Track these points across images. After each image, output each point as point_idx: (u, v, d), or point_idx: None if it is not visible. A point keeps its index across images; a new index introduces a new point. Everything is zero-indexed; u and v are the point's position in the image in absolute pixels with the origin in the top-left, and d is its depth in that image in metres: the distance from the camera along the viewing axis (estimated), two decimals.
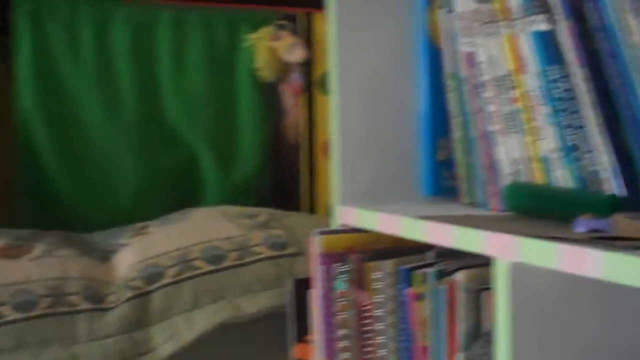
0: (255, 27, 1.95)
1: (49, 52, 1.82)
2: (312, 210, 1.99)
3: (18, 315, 1.36)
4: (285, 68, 1.94)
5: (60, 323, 1.37)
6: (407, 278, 1.12)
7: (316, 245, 1.25)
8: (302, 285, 1.33)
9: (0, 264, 1.43)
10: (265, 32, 1.91)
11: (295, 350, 1.36)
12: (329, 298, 1.23)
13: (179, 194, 1.97)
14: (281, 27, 1.94)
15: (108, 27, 1.86)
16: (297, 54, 1.92)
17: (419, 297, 1.07)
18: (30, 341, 1.34)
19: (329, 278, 1.23)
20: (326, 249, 1.24)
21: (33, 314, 1.36)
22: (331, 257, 1.23)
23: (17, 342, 1.34)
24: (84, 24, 1.84)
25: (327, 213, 1.96)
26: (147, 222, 1.71)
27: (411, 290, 1.07)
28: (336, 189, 1.36)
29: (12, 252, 1.47)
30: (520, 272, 0.87)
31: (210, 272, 1.48)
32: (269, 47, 1.90)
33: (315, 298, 1.27)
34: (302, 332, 1.34)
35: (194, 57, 1.92)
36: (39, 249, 1.50)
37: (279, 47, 1.91)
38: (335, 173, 1.36)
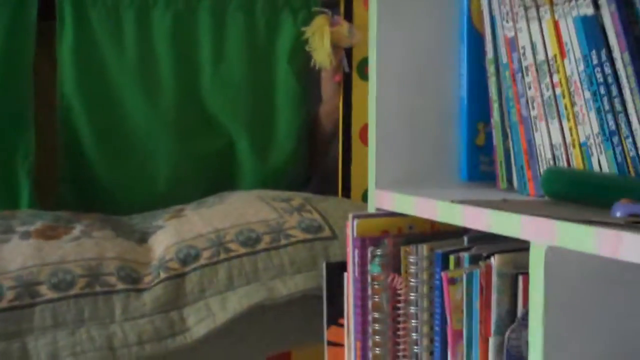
0: (295, 13, 1.94)
1: (91, 38, 1.83)
2: (347, 195, 1.99)
3: (55, 295, 1.37)
4: (338, 54, 1.93)
5: (97, 302, 1.38)
6: (442, 262, 1.11)
7: (351, 228, 1.25)
8: (337, 269, 1.34)
9: (39, 244, 1.45)
10: (323, 19, 1.90)
11: (329, 332, 1.36)
12: (363, 281, 1.23)
13: (215, 178, 1.97)
14: (323, 12, 1.92)
15: (149, 12, 1.86)
16: (356, 38, 1.90)
17: (453, 281, 1.06)
18: (67, 320, 1.36)
19: (364, 262, 1.23)
20: (361, 232, 1.24)
21: (70, 293, 1.38)
22: (366, 241, 1.23)
23: (54, 320, 1.35)
24: (126, 10, 1.84)
25: (362, 198, 1.97)
26: (184, 205, 1.72)
27: (446, 274, 1.06)
28: (372, 173, 1.36)
29: (51, 233, 1.49)
30: (557, 256, 0.86)
31: (245, 254, 1.48)
32: (328, 33, 1.88)
33: (350, 281, 1.27)
34: (336, 315, 1.34)
35: (233, 42, 1.92)
36: (77, 230, 1.51)
37: (338, 31, 1.89)
38: (372, 157, 1.36)
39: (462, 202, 1.07)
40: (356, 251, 1.23)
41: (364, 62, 1.97)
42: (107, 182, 1.88)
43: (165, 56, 1.88)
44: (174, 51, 1.88)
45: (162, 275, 1.44)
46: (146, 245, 1.53)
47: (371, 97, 1.35)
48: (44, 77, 1.86)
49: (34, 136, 1.80)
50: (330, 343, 1.36)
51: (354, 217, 1.25)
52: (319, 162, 2.12)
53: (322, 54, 1.91)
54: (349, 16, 1.98)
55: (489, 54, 1.28)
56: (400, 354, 1.18)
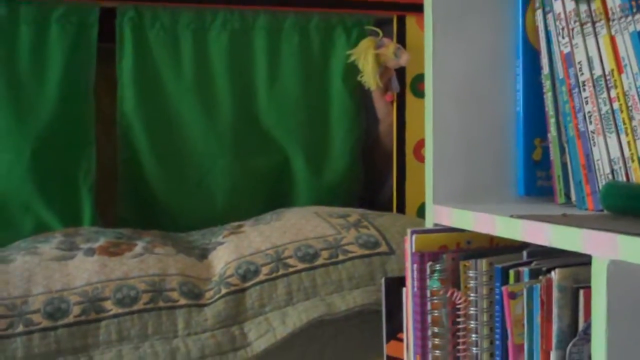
0: (348, 31, 1.97)
1: (150, 58, 1.88)
2: (401, 211, 2.00)
3: (120, 310, 1.40)
4: (386, 75, 1.95)
5: (160, 317, 1.41)
6: (501, 276, 1.12)
7: (410, 244, 1.26)
8: (395, 284, 1.35)
9: (103, 260, 1.48)
10: (369, 41, 1.93)
11: (388, 347, 1.37)
12: (422, 296, 1.24)
13: (271, 195, 2.00)
14: (375, 32, 1.95)
15: (206, 33, 1.90)
16: (403, 59, 1.92)
17: (514, 296, 1.07)
18: (132, 335, 1.39)
19: (423, 276, 1.24)
20: (420, 247, 1.25)
21: (134, 308, 1.41)
22: (425, 256, 1.24)
23: (119, 335, 1.38)
24: (183, 31, 1.88)
25: (417, 214, 1.98)
26: (242, 222, 1.74)
27: (506, 289, 1.07)
28: (430, 189, 1.37)
29: (114, 250, 1.52)
30: (619, 270, 0.87)
31: (304, 269, 1.50)
32: (375, 54, 1.91)
33: (409, 296, 1.28)
34: (395, 330, 1.35)
35: (288, 61, 1.95)
36: (139, 246, 1.55)
37: (384, 53, 1.92)
38: (429, 173, 1.37)
39: (521, 216, 1.07)
40: (415, 266, 1.24)
41: (417, 79, 1.99)
42: (165, 200, 1.92)
43: (222, 75, 1.92)
44: (230, 70, 1.92)
45: (223, 290, 1.46)
46: (206, 261, 1.56)
47: (427, 113, 1.36)
48: (103, 97, 1.90)
49: (95, 154, 1.85)
50: (389, 358, 1.37)
51: (412, 233, 1.26)
52: (378, 179, 2.14)
53: (368, 75, 1.94)
54: (401, 34, 2.00)
55: (545, 70, 1.28)
56: None
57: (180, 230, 1.82)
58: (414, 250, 1.25)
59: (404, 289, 1.32)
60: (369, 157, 2.08)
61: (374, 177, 2.12)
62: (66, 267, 1.46)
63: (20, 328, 1.35)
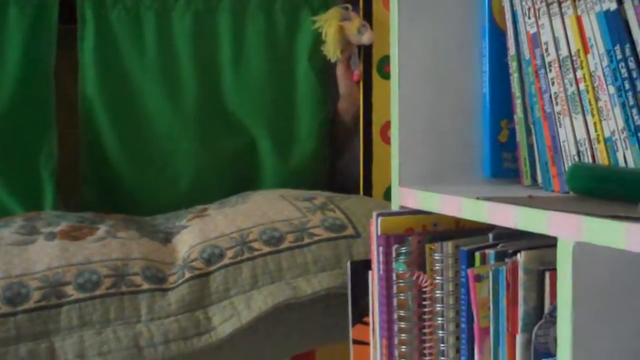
0: (315, 11, 1.95)
1: (112, 40, 1.85)
2: (368, 193, 1.99)
3: (81, 295, 1.38)
4: (348, 50, 1.94)
5: (123, 302, 1.39)
6: (467, 259, 1.11)
7: (376, 226, 1.25)
8: (361, 267, 1.34)
9: (64, 245, 1.46)
10: (335, 11, 1.91)
11: (354, 331, 1.36)
12: (388, 279, 1.23)
13: (237, 177, 1.98)
14: (345, 7, 1.94)
15: (169, 13, 1.87)
16: (366, 36, 1.91)
17: (480, 278, 1.06)
18: (94, 320, 1.36)
19: (388, 260, 1.23)
20: (385, 230, 1.24)
21: (96, 293, 1.39)
22: (390, 239, 1.23)
23: (80, 320, 1.36)
24: (146, 11, 1.85)
25: (384, 196, 1.97)
26: (207, 205, 1.72)
27: (472, 271, 1.06)
28: (396, 171, 1.36)
29: (76, 234, 1.50)
30: (584, 252, 0.86)
31: (269, 253, 1.49)
32: (338, 26, 1.90)
33: (374, 279, 1.28)
34: (361, 314, 1.35)
35: (253, 42, 1.92)
36: (101, 230, 1.52)
37: (348, 27, 1.91)
38: (395, 154, 1.36)
39: (487, 198, 1.07)
40: (380, 249, 1.23)
41: (384, 61, 1.97)
42: (129, 183, 1.89)
43: (186, 56, 1.89)
44: (194, 51, 1.89)
45: (187, 274, 1.44)
46: (170, 245, 1.54)
47: (393, 95, 1.35)
48: (64, 79, 1.87)
49: (56, 138, 1.82)
50: (355, 341, 1.36)
51: (378, 215, 1.25)
52: (340, 160, 2.12)
53: (328, 45, 1.92)
54: (368, 15, 1.98)
55: (511, 51, 1.27)
56: (427, 351, 1.18)
57: (145, 214, 1.79)
58: (379, 233, 1.24)
59: (370, 272, 1.31)
60: (331, 135, 2.07)
61: (339, 156, 2.11)
62: (26, 252, 1.44)
63: None
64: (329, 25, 1.91)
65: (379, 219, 1.25)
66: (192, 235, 1.53)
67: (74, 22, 1.85)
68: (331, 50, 1.91)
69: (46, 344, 1.33)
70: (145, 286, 1.41)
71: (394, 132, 1.35)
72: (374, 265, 1.27)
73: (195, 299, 1.42)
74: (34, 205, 1.79)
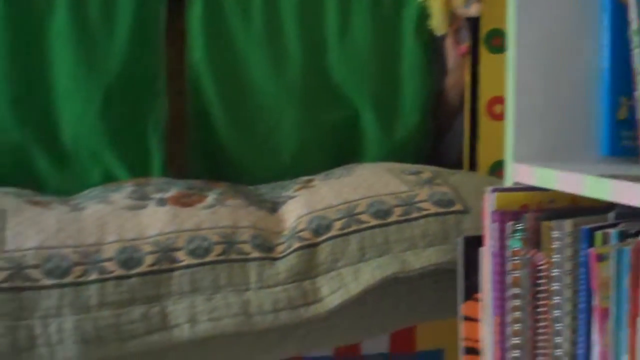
0: None
1: (220, 8, 1.85)
2: (472, 169, 1.96)
3: (193, 261, 1.40)
4: (455, 23, 1.91)
5: (233, 270, 1.40)
6: (588, 238, 1.09)
7: (490, 202, 1.23)
8: (473, 243, 1.32)
9: (175, 211, 1.47)
10: None
11: (464, 307, 1.35)
12: (501, 256, 1.21)
13: (339, 150, 1.97)
14: None
15: None
16: (473, 8, 1.88)
17: (602, 258, 1.04)
18: (205, 286, 1.38)
19: (502, 236, 1.21)
20: (500, 206, 1.22)
21: (207, 260, 1.40)
22: (505, 215, 1.22)
23: (191, 286, 1.38)
24: None
25: (489, 172, 1.94)
26: (311, 176, 1.72)
27: (593, 251, 1.04)
28: (510, 147, 1.34)
29: (186, 201, 1.52)
30: None
31: (377, 226, 1.48)
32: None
33: (487, 256, 1.26)
34: (471, 290, 1.33)
35: (360, 12, 1.91)
36: (210, 198, 1.53)
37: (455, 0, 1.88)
38: (509, 130, 1.34)
39: (613, 176, 1.04)
40: (494, 225, 1.22)
41: (492, 34, 1.94)
42: (233, 152, 1.90)
43: (292, 26, 1.88)
44: (300, 21, 1.88)
45: (295, 244, 1.45)
46: (277, 214, 1.54)
47: (510, 69, 1.33)
48: (169, 47, 1.88)
49: (165, 105, 1.84)
50: (465, 318, 1.35)
51: (492, 191, 1.24)
52: (442, 135, 2.10)
53: (436, 18, 1.89)
54: None
55: (634, 25, 1.23)
56: (541, 330, 1.16)
57: (248, 184, 1.80)
58: (494, 208, 1.23)
59: (482, 249, 1.29)
60: (436, 109, 2.04)
61: (435, 132, 2.08)
62: (138, 217, 1.46)
63: (95, 276, 1.35)
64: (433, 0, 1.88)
65: (494, 195, 1.23)
66: (299, 206, 1.54)
67: None
68: (438, 23, 1.88)
69: (158, 307, 1.35)
70: (254, 254, 1.42)
71: (510, 107, 1.33)
72: (487, 241, 1.25)
73: (304, 269, 1.43)
74: (142, 172, 1.82)
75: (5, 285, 1.31)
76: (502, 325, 1.21)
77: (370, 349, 1.88)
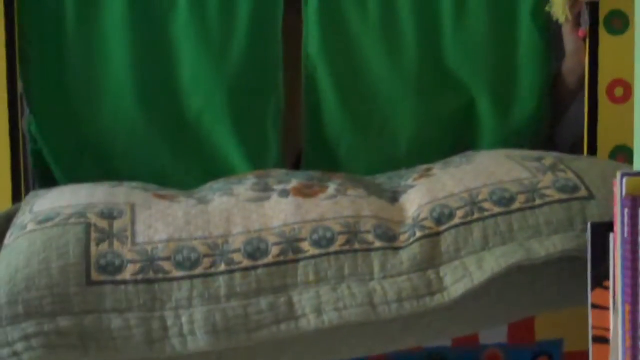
0: None
1: (336, 0, 1.86)
2: (592, 154, 1.92)
3: (317, 251, 1.41)
4: (576, 7, 1.87)
5: (357, 260, 1.41)
6: None
7: (620, 187, 1.21)
8: (602, 229, 1.30)
9: (298, 202, 1.49)
10: None
11: (593, 295, 1.32)
12: (634, 242, 1.19)
13: (455, 137, 1.96)
14: None
15: None
16: None
17: None
18: (329, 276, 1.39)
19: (635, 222, 1.18)
20: (632, 191, 1.19)
21: (331, 250, 1.41)
22: (636, 200, 1.19)
23: (316, 276, 1.39)
24: None
25: (609, 157, 1.90)
26: (430, 165, 1.72)
27: None
28: (638, 130, 1.30)
29: (308, 192, 1.53)
30: None
31: (500, 214, 1.46)
32: None
33: (617, 242, 1.23)
34: (600, 278, 1.31)
35: None
36: (331, 188, 1.54)
37: None
38: (637, 113, 1.30)
39: None
40: (626, 211, 1.19)
41: (612, 15, 1.89)
42: (349, 144, 1.92)
43: (408, 14, 1.88)
44: (416, 9, 1.88)
45: (418, 234, 1.44)
46: (398, 204, 1.54)
47: (637, 50, 1.30)
48: (288, 40, 1.91)
49: (283, 97, 1.86)
50: (594, 306, 1.32)
51: (623, 175, 1.21)
52: (559, 121, 2.07)
53: (557, 6, 1.86)
54: None
55: None
56: None
57: (364, 174, 1.81)
58: (624, 194, 1.20)
59: (612, 235, 1.27)
60: (554, 95, 2.01)
61: (561, 117, 2.05)
62: (262, 208, 1.48)
63: (223, 267, 1.38)
64: None
65: (625, 179, 1.20)
66: (420, 195, 1.53)
67: None
68: (560, 10, 1.85)
69: (285, 298, 1.37)
70: (377, 244, 1.43)
71: (637, 90, 1.30)
72: (617, 227, 1.22)
73: (427, 258, 1.42)
74: (260, 163, 1.85)
75: (139, 277, 1.36)
76: (633, 314, 1.19)
77: (488, 340, 1.87)
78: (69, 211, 1.47)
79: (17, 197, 1.77)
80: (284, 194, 1.52)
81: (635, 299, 1.19)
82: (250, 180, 1.61)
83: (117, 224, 1.44)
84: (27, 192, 1.80)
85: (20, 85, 1.80)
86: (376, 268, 1.40)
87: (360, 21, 1.87)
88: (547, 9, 1.87)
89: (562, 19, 1.86)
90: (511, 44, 1.92)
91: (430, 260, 1.42)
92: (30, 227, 1.44)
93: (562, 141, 2.07)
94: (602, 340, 1.33)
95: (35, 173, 1.90)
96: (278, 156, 1.87)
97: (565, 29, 1.91)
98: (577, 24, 1.89)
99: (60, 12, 1.79)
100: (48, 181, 1.86)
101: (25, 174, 1.82)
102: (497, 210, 1.47)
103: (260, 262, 1.39)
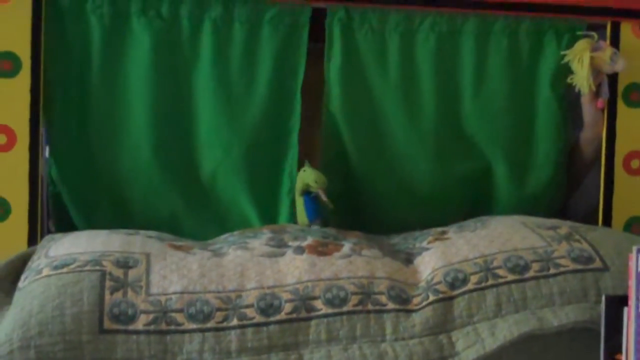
0: (560, 36, 1.91)
1: (357, 59, 1.88)
2: (607, 225, 1.93)
3: (330, 310, 1.41)
4: (598, 79, 1.89)
5: (369, 320, 1.41)
6: None
7: (635, 261, 1.21)
8: (616, 303, 1.30)
9: (312, 259, 1.50)
10: (585, 42, 1.87)
11: None
12: None
13: (470, 201, 1.97)
14: (590, 35, 1.88)
15: (414, 35, 1.88)
16: (619, 64, 1.86)
17: None
18: (341, 335, 1.39)
19: None
20: None
21: (344, 309, 1.41)
22: None
23: (328, 335, 1.39)
24: (391, 33, 1.88)
25: (624, 229, 1.90)
26: (445, 228, 1.73)
27: None
28: None
29: (323, 250, 1.54)
30: None
31: (513, 281, 1.47)
32: (591, 57, 1.85)
33: (631, 316, 1.23)
34: (613, 351, 1.30)
35: (495, 65, 1.91)
36: (346, 247, 1.55)
37: (599, 57, 1.86)
38: None
39: None
40: None
41: (631, 88, 1.91)
42: (368, 199, 1.93)
43: (428, 77, 1.90)
44: (435, 73, 1.90)
45: (431, 297, 1.45)
46: (412, 266, 1.55)
47: None
48: (308, 95, 1.92)
49: (297, 155, 1.88)
50: None
51: (638, 250, 1.21)
52: (574, 190, 2.07)
53: (581, 78, 1.87)
54: (615, 40, 1.92)
55: None
56: None
57: (382, 231, 1.82)
58: (639, 269, 1.20)
59: (626, 309, 1.26)
60: (570, 164, 2.02)
61: (577, 186, 2.06)
62: (277, 264, 1.49)
63: (235, 321, 1.38)
64: (582, 58, 1.86)
65: (639, 254, 1.21)
66: (434, 258, 1.54)
67: (316, 41, 1.90)
68: (585, 84, 1.86)
69: (295, 355, 1.37)
70: (390, 306, 1.43)
71: None
72: (632, 302, 1.22)
73: (439, 322, 1.42)
74: (271, 219, 1.87)
75: (151, 327, 1.36)
76: None
77: None
78: (84, 258, 1.48)
79: (32, 239, 1.78)
80: (299, 250, 1.53)
81: None
82: (266, 234, 1.62)
83: (132, 273, 1.45)
84: (43, 234, 1.81)
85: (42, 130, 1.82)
86: (388, 330, 1.40)
87: (381, 81, 1.89)
88: (568, 80, 1.89)
89: (585, 90, 1.88)
90: (529, 112, 1.94)
91: (443, 325, 1.42)
92: (46, 272, 1.45)
93: (576, 210, 2.08)
94: None
95: (53, 215, 1.91)
96: (288, 212, 1.88)
97: (584, 100, 1.92)
98: (596, 94, 1.91)
99: (86, 62, 1.82)
100: (65, 223, 1.88)
101: (41, 217, 1.83)
102: (511, 277, 1.47)
103: (272, 319, 1.39)
